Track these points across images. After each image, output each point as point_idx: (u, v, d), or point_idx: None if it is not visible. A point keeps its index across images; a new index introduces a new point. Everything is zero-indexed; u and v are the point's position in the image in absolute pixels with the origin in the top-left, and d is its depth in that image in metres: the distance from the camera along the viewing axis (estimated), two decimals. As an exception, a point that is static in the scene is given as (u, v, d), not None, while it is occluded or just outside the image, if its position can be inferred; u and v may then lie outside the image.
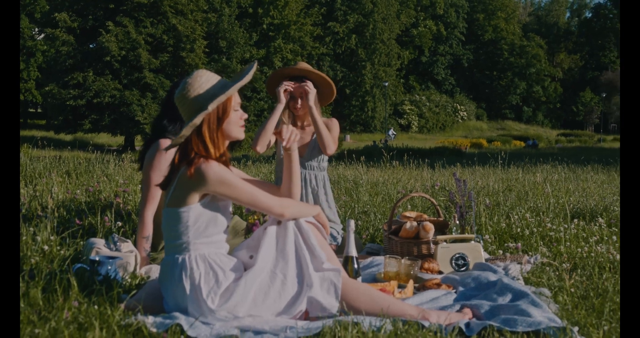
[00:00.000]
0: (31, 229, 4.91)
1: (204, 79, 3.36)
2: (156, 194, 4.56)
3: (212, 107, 3.30)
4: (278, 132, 3.69)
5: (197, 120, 3.31)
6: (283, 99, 5.06)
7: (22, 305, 3.16)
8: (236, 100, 3.45)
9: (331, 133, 5.21)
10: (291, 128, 3.67)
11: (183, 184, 3.32)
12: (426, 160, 15.27)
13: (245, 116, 3.52)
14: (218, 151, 3.41)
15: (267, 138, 5.02)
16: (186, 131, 3.31)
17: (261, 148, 4.98)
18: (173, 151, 4.52)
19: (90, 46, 47.16)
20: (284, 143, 3.66)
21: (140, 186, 4.98)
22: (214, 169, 3.27)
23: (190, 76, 3.37)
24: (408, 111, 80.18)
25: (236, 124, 3.47)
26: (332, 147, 5.16)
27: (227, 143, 3.48)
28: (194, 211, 3.33)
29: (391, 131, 72.37)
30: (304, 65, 5.18)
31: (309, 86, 5.09)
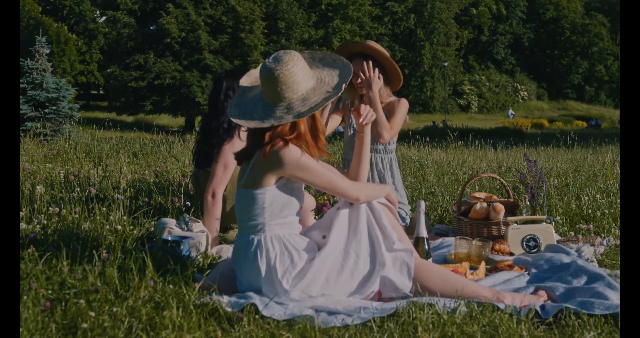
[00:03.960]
0: (104, 209, 4.98)
1: (303, 63, 3.38)
2: (229, 175, 4.61)
3: (345, 85, 3.39)
4: (356, 109, 3.70)
5: (325, 103, 3.33)
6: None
7: (98, 284, 3.21)
8: None
9: (396, 114, 5.05)
10: (368, 107, 3.71)
11: (259, 166, 3.32)
12: (488, 141, 15.09)
13: None
14: (324, 136, 3.45)
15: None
16: (305, 109, 3.32)
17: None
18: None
19: (151, 27, 47.64)
20: (361, 119, 3.67)
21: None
22: (292, 152, 3.26)
23: (290, 56, 3.35)
24: (467, 91, 79.37)
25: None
26: (385, 136, 4.97)
27: None
28: (270, 193, 3.33)
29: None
30: (373, 43, 5.06)
31: (375, 75, 4.98)
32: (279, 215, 3.37)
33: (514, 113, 73.53)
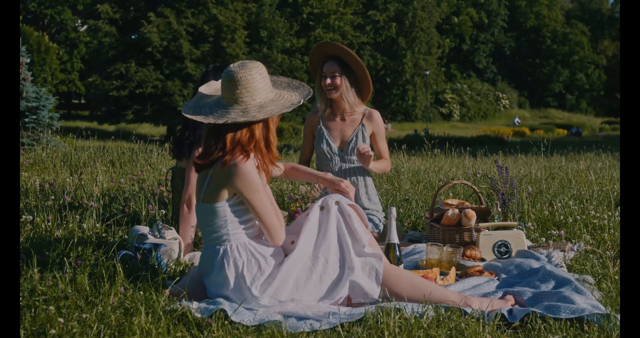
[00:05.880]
0: (77, 217, 4.99)
1: (266, 74, 3.43)
2: None
3: (304, 101, 3.43)
4: (343, 189, 3.78)
5: (282, 112, 3.36)
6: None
7: (69, 290, 3.22)
8: None
9: (381, 140, 5.36)
10: (360, 209, 3.71)
11: (216, 178, 3.33)
12: (468, 149, 15.13)
13: None
14: (275, 149, 3.48)
15: None
16: (260, 115, 3.34)
17: None
18: None
19: (132, 36, 47.63)
20: (352, 200, 3.75)
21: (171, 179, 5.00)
22: (248, 166, 3.28)
23: (255, 64, 3.40)
24: (449, 99, 79.46)
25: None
26: (387, 170, 5.41)
27: None
28: (230, 204, 3.35)
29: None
30: (349, 50, 5.07)
31: (366, 155, 4.97)
32: (242, 224, 3.39)
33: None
